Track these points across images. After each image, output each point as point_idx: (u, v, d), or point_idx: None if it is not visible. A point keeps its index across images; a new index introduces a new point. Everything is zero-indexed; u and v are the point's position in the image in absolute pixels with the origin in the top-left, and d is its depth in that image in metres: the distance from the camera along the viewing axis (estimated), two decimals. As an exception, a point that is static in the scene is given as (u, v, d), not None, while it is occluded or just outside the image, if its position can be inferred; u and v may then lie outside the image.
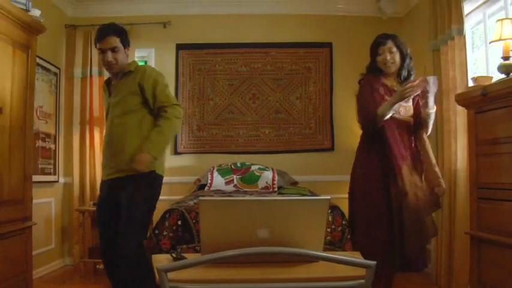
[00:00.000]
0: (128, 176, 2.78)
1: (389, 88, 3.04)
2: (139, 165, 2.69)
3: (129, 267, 2.64)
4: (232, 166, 4.85)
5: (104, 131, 2.97)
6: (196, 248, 2.99)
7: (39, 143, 4.53)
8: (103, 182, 2.95)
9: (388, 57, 3.04)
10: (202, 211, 1.88)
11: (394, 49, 3.05)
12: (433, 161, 3.05)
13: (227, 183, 4.65)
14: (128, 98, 2.83)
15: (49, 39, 4.54)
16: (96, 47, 2.90)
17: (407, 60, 3.06)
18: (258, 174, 4.72)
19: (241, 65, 5.37)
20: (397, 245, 2.83)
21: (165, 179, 5.17)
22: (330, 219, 3.16)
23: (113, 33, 2.81)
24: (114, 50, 2.80)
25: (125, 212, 2.73)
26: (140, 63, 3.04)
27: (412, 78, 3.02)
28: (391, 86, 3.06)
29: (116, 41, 2.81)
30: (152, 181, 2.88)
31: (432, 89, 2.87)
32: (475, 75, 3.36)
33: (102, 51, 2.82)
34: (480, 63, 4.06)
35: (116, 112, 2.85)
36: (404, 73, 3.06)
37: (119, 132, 2.82)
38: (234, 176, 4.70)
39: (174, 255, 2.02)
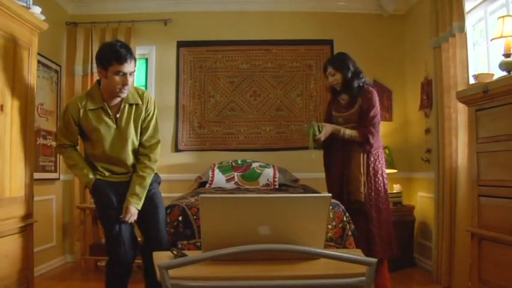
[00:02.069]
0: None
1: (340, 104, 3.69)
2: (129, 217, 2.82)
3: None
4: (233, 163, 4.85)
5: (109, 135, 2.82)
6: (197, 243, 2.99)
7: (40, 141, 4.53)
8: (121, 183, 2.90)
9: (331, 79, 3.63)
10: (203, 208, 1.88)
11: (334, 72, 3.59)
12: None
13: (228, 180, 4.64)
14: (138, 128, 2.90)
15: (50, 37, 4.54)
16: (104, 67, 2.68)
17: (346, 76, 3.56)
18: (259, 171, 4.72)
19: (242, 62, 5.37)
20: None
21: (166, 176, 5.21)
22: (331, 215, 3.16)
23: (133, 56, 2.72)
24: (131, 74, 2.73)
25: (159, 210, 2.96)
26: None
27: (354, 85, 3.56)
28: (342, 100, 3.68)
29: (134, 65, 2.74)
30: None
31: None
32: (476, 73, 3.36)
33: (121, 74, 2.67)
34: (481, 61, 4.05)
35: (130, 137, 2.86)
36: (348, 87, 3.58)
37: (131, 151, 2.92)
38: (235, 173, 4.70)
39: (174, 252, 2.02)
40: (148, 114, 2.91)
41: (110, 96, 2.78)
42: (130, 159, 2.89)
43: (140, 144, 2.92)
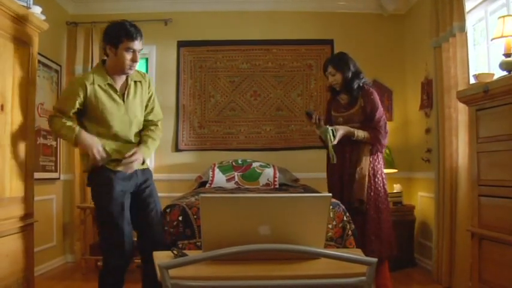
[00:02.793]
0: (148, 169, 3.03)
1: (340, 103, 3.71)
2: (134, 163, 2.80)
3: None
4: (233, 163, 4.85)
5: (117, 120, 2.84)
6: (197, 243, 2.99)
7: (41, 140, 4.53)
8: (126, 177, 2.85)
9: (331, 79, 3.63)
10: (204, 208, 1.88)
11: (334, 71, 3.59)
12: None
13: (228, 180, 4.64)
14: (143, 105, 3.00)
15: (50, 37, 4.54)
16: (114, 44, 2.75)
17: (346, 75, 3.56)
18: (259, 171, 4.71)
19: (243, 62, 5.37)
20: None
21: (166, 176, 5.23)
22: (331, 215, 3.16)
23: (142, 35, 2.82)
24: (139, 51, 2.82)
25: (155, 203, 2.97)
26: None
27: (355, 85, 3.55)
28: (341, 100, 3.70)
29: (142, 44, 2.84)
30: None
31: None
32: (477, 73, 3.36)
33: (131, 51, 2.76)
34: (481, 61, 4.05)
35: (136, 113, 2.93)
36: (348, 87, 3.59)
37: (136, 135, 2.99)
38: (235, 173, 4.70)
39: (175, 252, 2.02)
40: (152, 93, 3.04)
41: (117, 74, 2.85)
42: (136, 138, 2.95)
43: (148, 121, 3.03)
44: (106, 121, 2.81)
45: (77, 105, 2.78)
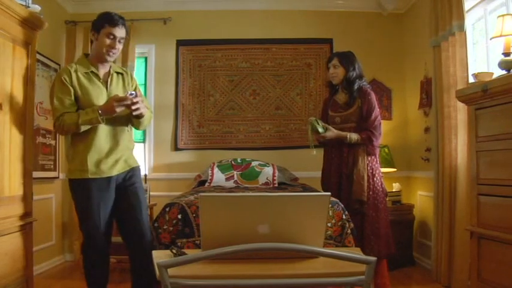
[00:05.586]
0: (133, 168, 3.03)
1: (337, 103, 3.72)
2: (139, 102, 2.81)
3: (150, 248, 2.71)
4: (233, 162, 4.84)
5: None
6: (196, 242, 2.98)
7: (40, 139, 4.53)
8: (106, 178, 2.88)
9: (332, 71, 3.64)
10: (203, 207, 1.88)
11: (338, 64, 3.62)
12: None
13: (227, 179, 4.64)
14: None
15: (49, 35, 4.54)
16: (97, 29, 2.87)
17: (350, 74, 3.58)
18: (259, 170, 4.72)
19: (242, 61, 5.37)
20: None
21: (165, 175, 5.23)
22: (330, 213, 3.16)
23: (125, 25, 2.93)
24: (120, 41, 2.90)
25: (141, 201, 3.00)
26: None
27: (355, 86, 3.58)
28: (339, 100, 3.71)
29: (125, 33, 2.92)
30: None
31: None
32: (476, 72, 3.35)
33: (111, 37, 2.84)
34: (481, 60, 4.05)
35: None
36: (349, 86, 3.61)
37: (124, 129, 3.01)
38: (235, 172, 4.70)
39: (174, 251, 2.02)
40: (136, 85, 3.12)
41: (100, 63, 2.93)
42: (124, 129, 2.98)
43: None
44: (92, 106, 2.81)
45: (72, 90, 2.81)
